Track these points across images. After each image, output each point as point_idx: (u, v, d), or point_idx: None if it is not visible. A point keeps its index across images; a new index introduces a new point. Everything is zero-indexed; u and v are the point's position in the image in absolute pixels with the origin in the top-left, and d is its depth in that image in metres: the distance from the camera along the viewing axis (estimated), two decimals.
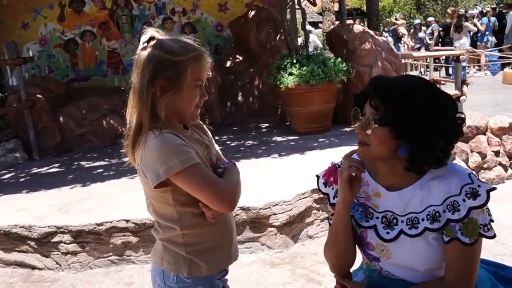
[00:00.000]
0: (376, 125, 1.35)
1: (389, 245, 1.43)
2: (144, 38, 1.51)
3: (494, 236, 1.36)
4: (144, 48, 1.50)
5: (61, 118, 6.12)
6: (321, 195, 3.73)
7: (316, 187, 1.64)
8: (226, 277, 1.70)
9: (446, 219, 1.34)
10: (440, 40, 13.35)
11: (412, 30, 15.02)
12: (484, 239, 1.37)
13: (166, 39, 1.51)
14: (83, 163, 5.48)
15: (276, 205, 3.55)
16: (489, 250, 3.09)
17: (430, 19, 15.51)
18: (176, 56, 1.47)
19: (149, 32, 1.51)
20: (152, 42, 1.50)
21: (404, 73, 6.91)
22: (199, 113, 1.60)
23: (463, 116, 1.40)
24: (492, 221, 1.38)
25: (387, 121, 1.34)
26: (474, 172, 1.38)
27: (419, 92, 1.34)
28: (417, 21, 15.12)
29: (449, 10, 12.98)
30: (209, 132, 1.72)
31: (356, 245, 1.54)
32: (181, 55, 1.47)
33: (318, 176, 1.62)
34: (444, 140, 1.35)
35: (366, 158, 1.45)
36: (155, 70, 1.46)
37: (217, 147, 1.72)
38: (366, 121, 1.37)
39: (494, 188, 1.36)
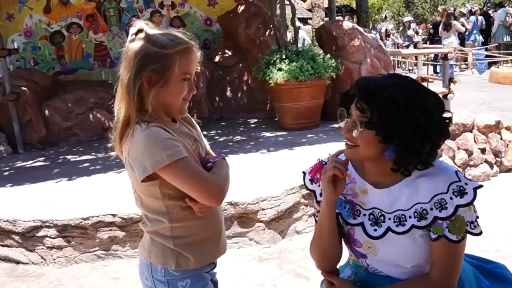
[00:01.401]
0: (362, 128, 1.35)
1: (376, 242, 1.43)
2: (132, 30, 1.50)
3: (480, 233, 1.37)
4: (132, 40, 1.48)
5: (46, 111, 6.04)
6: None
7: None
8: (215, 270, 1.70)
9: (433, 217, 1.35)
10: (429, 38, 13.44)
11: (401, 28, 15.07)
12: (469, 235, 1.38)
13: (155, 31, 1.50)
14: (69, 157, 5.42)
15: (264, 200, 3.54)
16: (474, 246, 3.11)
17: (406, 19, 15.23)
18: (163, 49, 1.45)
19: (138, 24, 1.50)
20: (141, 35, 1.48)
21: (392, 71, 6.94)
22: (187, 107, 1.58)
23: (449, 115, 1.40)
24: (478, 217, 1.39)
25: (373, 124, 1.33)
26: (461, 170, 1.38)
27: (404, 96, 1.32)
28: (406, 18, 15.17)
29: (439, 9, 13.05)
30: (197, 126, 1.71)
31: (343, 242, 1.55)
32: (168, 48, 1.46)
33: (304, 173, 1.62)
34: (430, 143, 1.35)
35: (354, 159, 1.45)
36: (142, 62, 1.45)
37: (205, 141, 1.71)
38: (353, 123, 1.37)
39: (481, 186, 1.37)
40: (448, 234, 1.34)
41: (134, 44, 1.47)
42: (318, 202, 1.57)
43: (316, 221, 1.60)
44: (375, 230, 1.43)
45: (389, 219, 1.42)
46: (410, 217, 1.38)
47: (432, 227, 1.36)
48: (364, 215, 1.46)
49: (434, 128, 1.34)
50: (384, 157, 1.37)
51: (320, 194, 1.56)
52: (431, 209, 1.35)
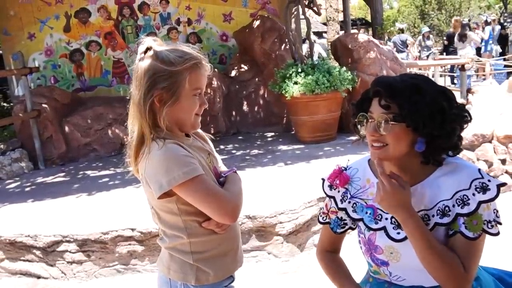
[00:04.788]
0: (391, 123, 1.35)
1: (399, 246, 1.41)
2: (141, 48, 1.50)
3: (497, 234, 1.35)
4: (141, 59, 1.49)
5: (66, 128, 6.15)
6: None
7: (322, 192, 1.64)
8: (233, 284, 1.69)
9: (456, 214, 1.34)
10: (444, 49, 13.34)
11: (419, 38, 14.94)
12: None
13: (163, 48, 1.50)
14: (88, 172, 5.49)
15: (282, 213, 3.53)
16: (493, 257, 3.04)
17: (425, 30, 14.98)
18: (172, 66, 1.45)
19: (146, 42, 1.50)
20: (149, 53, 1.49)
21: None
22: (200, 122, 1.58)
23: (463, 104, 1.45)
24: (500, 223, 1.37)
25: (402, 116, 1.34)
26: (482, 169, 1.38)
27: (425, 84, 1.37)
28: (425, 29, 15.05)
29: (453, 20, 12.98)
30: (210, 141, 1.71)
31: (362, 252, 1.54)
32: (177, 64, 1.46)
33: (323, 179, 1.62)
34: (459, 125, 1.37)
35: (385, 159, 1.43)
36: (151, 81, 1.45)
37: (218, 157, 1.71)
38: (378, 122, 1.37)
39: (505, 184, 1.36)
40: (464, 230, 1.33)
41: (143, 63, 1.48)
42: (340, 209, 1.56)
43: (319, 221, 1.65)
44: (398, 233, 1.42)
45: None
46: (433, 215, 1.37)
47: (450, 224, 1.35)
48: (386, 219, 1.45)
49: (457, 113, 1.37)
50: (413, 152, 1.37)
51: (341, 201, 1.56)
52: (453, 205, 1.34)
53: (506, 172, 5.00)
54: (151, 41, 1.51)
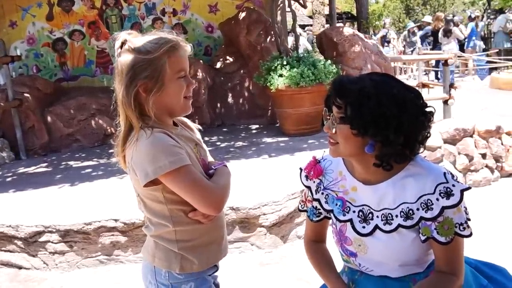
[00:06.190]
0: (337, 123, 1.38)
1: (366, 239, 1.44)
2: (117, 44, 1.51)
3: (470, 235, 1.37)
4: (119, 54, 1.50)
5: (48, 118, 6.07)
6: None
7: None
8: (217, 273, 1.71)
9: (420, 217, 1.36)
10: (429, 45, 13.47)
11: (405, 33, 15.06)
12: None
13: (138, 39, 1.50)
14: (71, 163, 5.44)
15: (265, 205, 3.55)
16: (473, 250, 3.10)
17: (410, 25, 15.13)
18: (149, 54, 1.46)
19: (121, 36, 1.51)
20: (125, 46, 1.49)
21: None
22: (190, 105, 1.59)
23: (429, 109, 1.40)
24: (469, 219, 1.39)
25: (346, 118, 1.35)
26: (449, 171, 1.39)
27: (376, 88, 1.35)
28: (410, 24, 15.16)
29: (435, 16, 13.11)
30: (197, 131, 1.72)
31: (334, 243, 1.57)
32: (154, 51, 1.46)
33: (301, 169, 1.66)
34: (405, 134, 1.35)
35: (336, 156, 1.47)
36: (132, 73, 1.46)
37: (205, 148, 1.72)
38: (332, 120, 1.40)
39: (469, 188, 1.37)
40: (436, 236, 1.35)
41: (121, 58, 1.49)
42: (315, 200, 1.60)
43: (299, 209, 1.69)
44: (364, 227, 1.45)
45: (377, 217, 1.43)
46: (396, 216, 1.39)
47: (421, 229, 1.37)
48: (354, 211, 1.48)
49: (408, 120, 1.34)
50: (365, 153, 1.38)
51: (315, 191, 1.59)
52: (417, 209, 1.36)
53: (486, 166, 5.09)
54: (125, 34, 1.51)
